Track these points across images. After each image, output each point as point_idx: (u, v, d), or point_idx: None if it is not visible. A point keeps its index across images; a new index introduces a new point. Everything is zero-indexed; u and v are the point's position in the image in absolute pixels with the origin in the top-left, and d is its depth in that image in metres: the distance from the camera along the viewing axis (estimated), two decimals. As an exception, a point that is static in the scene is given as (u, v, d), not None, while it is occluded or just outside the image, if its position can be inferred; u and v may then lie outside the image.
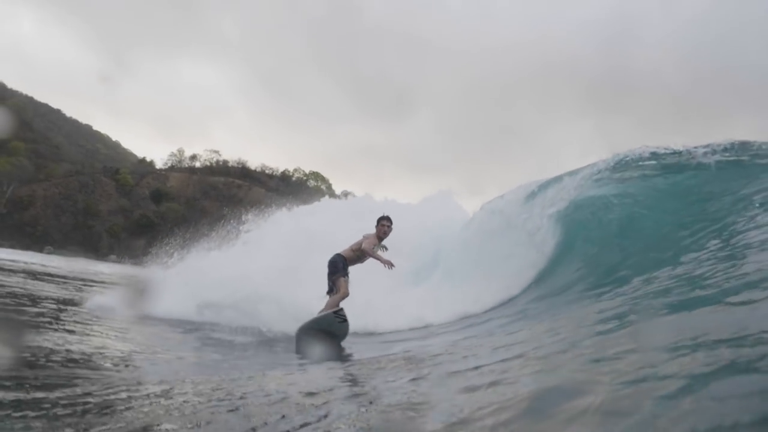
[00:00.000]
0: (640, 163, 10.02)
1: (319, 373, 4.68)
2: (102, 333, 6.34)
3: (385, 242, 7.67)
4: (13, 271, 17.20)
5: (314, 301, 7.53)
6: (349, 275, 7.54)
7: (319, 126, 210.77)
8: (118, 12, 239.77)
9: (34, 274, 17.51)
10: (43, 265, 25.44)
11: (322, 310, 7.22)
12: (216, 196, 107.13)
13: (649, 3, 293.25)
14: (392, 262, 7.04)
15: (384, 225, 7.60)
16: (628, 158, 10.24)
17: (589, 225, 8.84)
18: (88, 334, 5.91)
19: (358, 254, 7.52)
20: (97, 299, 9.51)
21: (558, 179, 10.93)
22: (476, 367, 3.43)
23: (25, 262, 25.56)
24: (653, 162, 9.85)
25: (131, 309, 9.15)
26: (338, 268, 7.40)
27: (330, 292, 7.41)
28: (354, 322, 7.22)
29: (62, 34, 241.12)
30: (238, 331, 7.57)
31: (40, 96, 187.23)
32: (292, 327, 7.21)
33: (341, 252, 7.60)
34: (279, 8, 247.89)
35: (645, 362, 2.40)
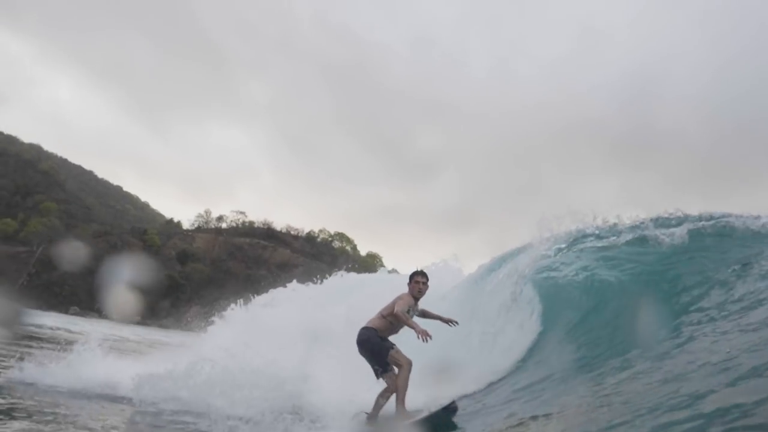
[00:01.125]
0: (583, 244, 9.33)
1: None
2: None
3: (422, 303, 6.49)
4: (41, 340, 16.39)
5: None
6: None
7: (343, 187, 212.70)
8: (150, 76, 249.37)
9: (61, 344, 16.66)
10: (68, 331, 24.69)
11: (384, 394, 5.99)
12: (241, 257, 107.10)
13: (671, 61, 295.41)
14: (429, 332, 5.57)
15: (418, 282, 6.36)
16: (572, 239, 9.59)
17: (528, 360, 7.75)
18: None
19: (391, 321, 6.18)
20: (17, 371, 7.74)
21: (506, 260, 10.11)
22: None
23: (51, 328, 24.92)
24: (595, 243, 9.18)
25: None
26: (374, 343, 6.10)
27: (383, 374, 6.02)
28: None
29: (97, 97, 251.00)
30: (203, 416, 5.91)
31: (75, 158, 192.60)
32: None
33: (370, 324, 6.28)
34: (306, 71, 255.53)
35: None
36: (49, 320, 35.62)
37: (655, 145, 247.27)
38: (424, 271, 6.54)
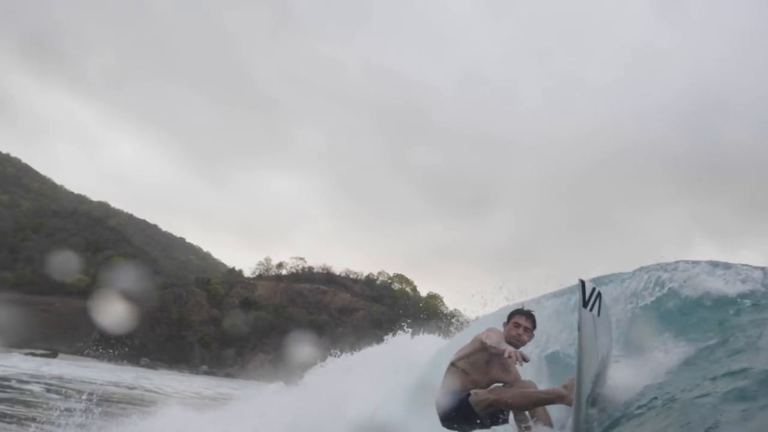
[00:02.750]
0: None
1: None
2: None
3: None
4: (117, 404, 16.29)
5: None
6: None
7: (399, 228, 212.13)
8: (207, 129, 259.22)
9: (142, 403, 16.54)
10: (145, 390, 24.84)
11: (519, 419, 4.47)
12: (302, 303, 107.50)
13: (732, 69, 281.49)
14: (524, 354, 4.17)
15: (519, 325, 4.62)
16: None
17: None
18: None
19: (465, 369, 4.56)
20: None
21: None
22: None
23: (129, 387, 25.16)
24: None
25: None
26: (451, 408, 4.48)
27: (497, 421, 4.43)
28: None
29: (157, 153, 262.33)
30: None
31: (140, 213, 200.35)
32: None
33: (444, 391, 4.57)
34: (357, 116, 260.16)
35: None
36: (124, 374, 36.20)
37: (725, 168, 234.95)
38: (532, 313, 4.76)
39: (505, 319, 4.80)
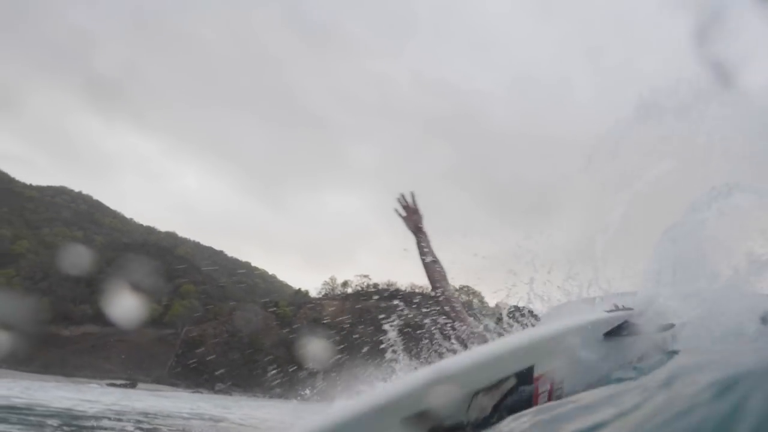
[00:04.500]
0: None
1: None
2: None
3: None
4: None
5: None
6: None
7: (461, 239, 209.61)
8: (264, 154, 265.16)
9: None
10: (231, 422, 24.25)
11: None
12: (370, 320, 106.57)
13: None
14: None
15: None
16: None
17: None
18: None
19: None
20: None
21: None
22: None
23: (214, 419, 24.66)
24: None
25: None
26: None
27: None
28: None
29: (219, 180, 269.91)
30: None
31: (206, 240, 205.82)
32: None
33: None
34: (409, 129, 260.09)
35: None
36: (201, 402, 35.99)
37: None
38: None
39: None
